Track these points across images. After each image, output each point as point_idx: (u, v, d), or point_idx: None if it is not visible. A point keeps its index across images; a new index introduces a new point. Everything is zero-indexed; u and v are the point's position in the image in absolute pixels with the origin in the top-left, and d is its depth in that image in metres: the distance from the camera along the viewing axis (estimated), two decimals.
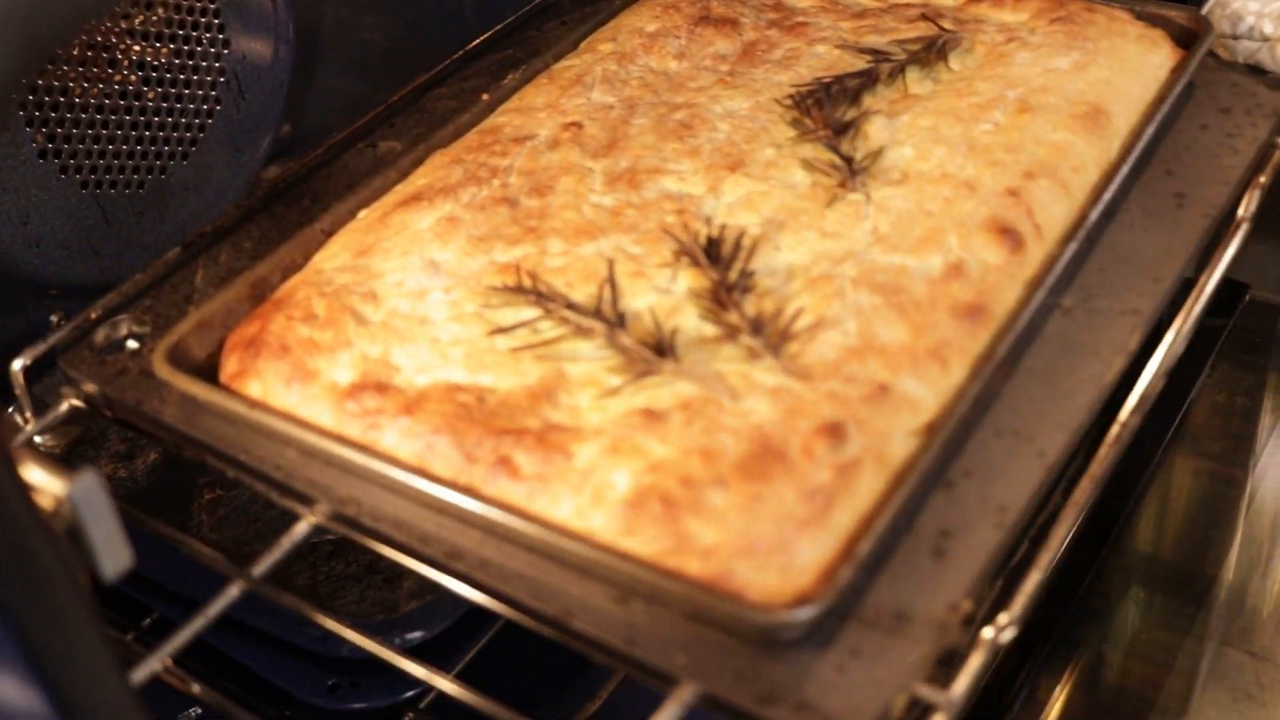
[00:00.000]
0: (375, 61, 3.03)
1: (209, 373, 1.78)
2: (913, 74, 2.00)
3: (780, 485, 1.45)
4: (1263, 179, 1.94)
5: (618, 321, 1.65)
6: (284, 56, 2.54)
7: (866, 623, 1.43)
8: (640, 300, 1.71)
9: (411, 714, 2.11)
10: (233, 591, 1.60)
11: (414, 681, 1.97)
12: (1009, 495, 1.54)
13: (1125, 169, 1.83)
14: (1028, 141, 1.82)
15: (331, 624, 1.68)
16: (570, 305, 1.69)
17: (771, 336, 1.60)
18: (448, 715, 2.06)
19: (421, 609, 2.06)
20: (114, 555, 1.23)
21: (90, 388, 1.82)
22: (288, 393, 1.67)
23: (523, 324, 1.70)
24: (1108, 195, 1.79)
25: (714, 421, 1.52)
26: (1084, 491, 1.58)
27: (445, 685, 1.60)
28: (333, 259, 1.82)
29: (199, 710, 2.04)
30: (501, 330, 1.69)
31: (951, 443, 1.55)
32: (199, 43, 2.38)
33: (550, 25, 2.39)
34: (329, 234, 1.91)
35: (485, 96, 2.11)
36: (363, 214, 1.93)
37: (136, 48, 2.31)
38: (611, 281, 1.68)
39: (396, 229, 1.84)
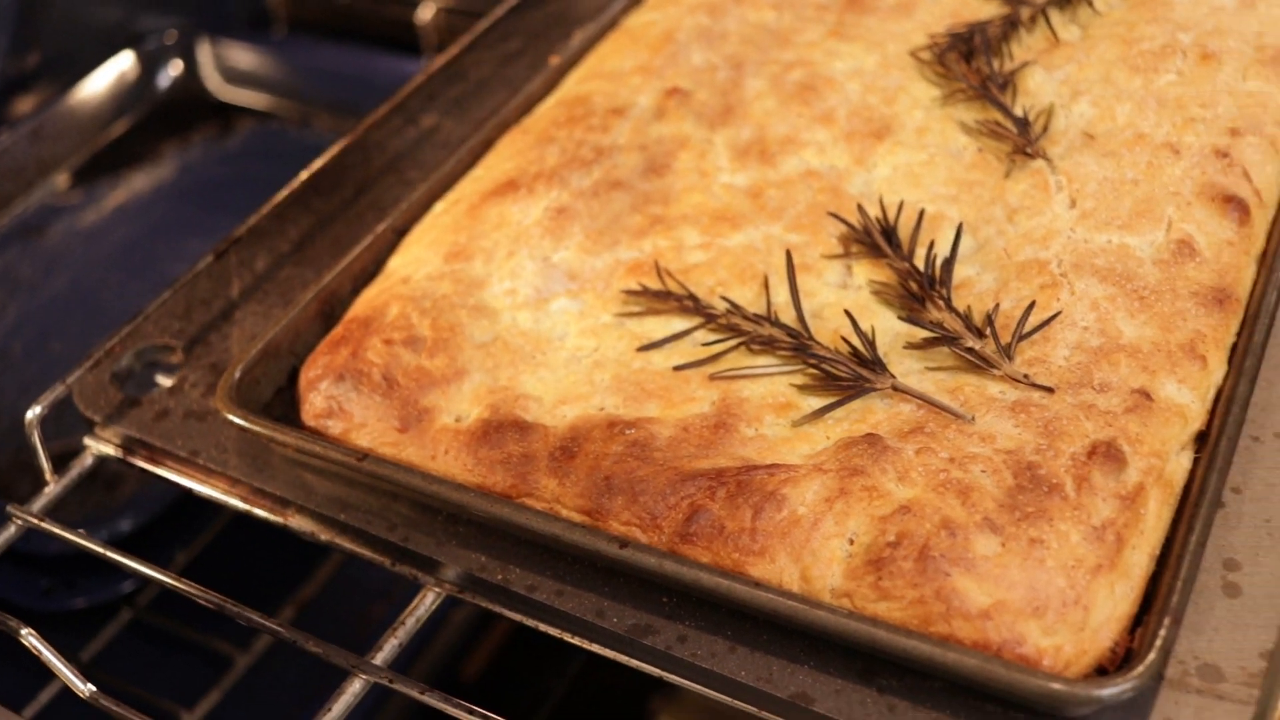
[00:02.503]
0: None
1: (277, 412, 1.47)
2: (1055, 17, 1.73)
3: (1061, 524, 1.19)
4: None
5: (804, 327, 1.37)
6: None
7: (1175, 685, 1.17)
8: (814, 299, 1.43)
9: (129, 610, 2.07)
10: (354, 686, 1.29)
11: (131, 576, 1.98)
12: None
13: None
14: (1220, 93, 1.57)
15: (32, 520, 1.45)
16: (737, 310, 1.40)
17: (1002, 338, 1.32)
18: (169, 610, 2.07)
19: (128, 500, 2.02)
20: None
21: (123, 435, 1.49)
22: (402, 439, 1.36)
23: (678, 336, 1.40)
24: None
25: (958, 449, 1.24)
26: None
27: (149, 572, 1.41)
28: (420, 264, 1.50)
29: None
30: (654, 345, 1.40)
31: (1225, 455, 1.30)
32: None
33: None
34: (402, 232, 1.58)
35: (555, 59, 1.80)
36: (439, 207, 1.61)
37: None
38: (791, 280, 1.39)
39: (494, 224, 1.53)
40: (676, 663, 1.23)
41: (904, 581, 1.17)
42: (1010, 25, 1.71)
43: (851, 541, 1.21)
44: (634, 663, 1.26)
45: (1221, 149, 1.51)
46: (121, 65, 2.79)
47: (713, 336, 1.40)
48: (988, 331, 1.33)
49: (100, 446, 1.51)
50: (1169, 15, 1.69)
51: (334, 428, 1.39)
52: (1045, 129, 1.57)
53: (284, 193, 1.70)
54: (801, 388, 1.34)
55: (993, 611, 1.15)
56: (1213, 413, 1.31)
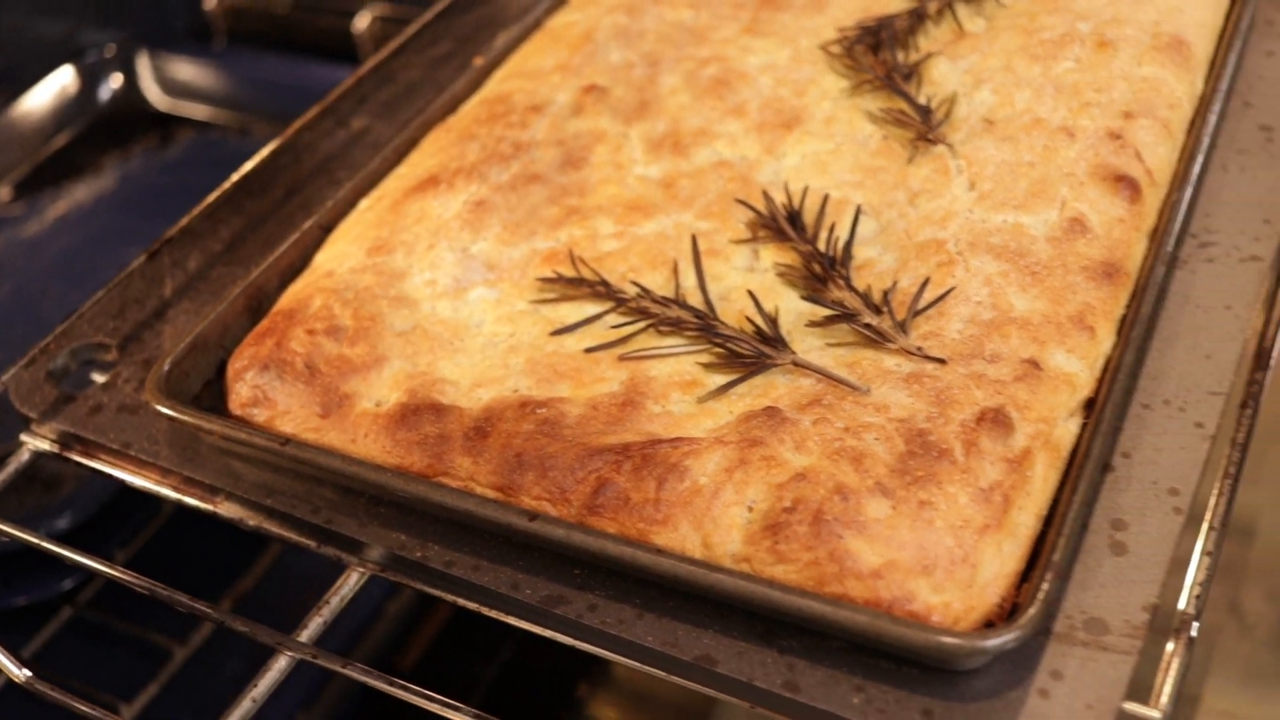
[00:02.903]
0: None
1: (206, 404, 1.51)
2: (962, 10, 1.79)
3: (950, 487, 1.24)
4: None
5: (710, 309, 1.42)
6: None
7: (1062, 638, 1.23)
8: (722, 283, 1.48)
9: (70, 607, 2.12)
10: (280, 663, 1.34)
11: (70, 573, 2.05)
12: (1178, 475, 1.35)
13: (1218, 104, 1.65)
14: (1116, 78, 1.63)
15: None
16: (646, 294, 1.45)
17: (898, 314, 1.38)
18: (108, 607, 2.12)
19: (65, 500, 2.06)
20: None
21: (59, 430, 1.53)
22: (324, 424, 1.40)
23: (590, 320, 1.45)
24: (1208, 133, 1.61)
25: (853, 419, 1.30)
26: (1234, 462, 1.40)
27: (93, 564, 1.47)
28: (344, 259, 1.55)
29: None
30: (566, 330, 1.45)
31: (1112, 420, 1.35)
32: None
33: None
34: (328, 229, 1.63)
35: (479, 60, 1.86)
36: (364, 204, 1.66)
37: None
38: (696, 262, 1.45)
39: (415, 218, 1.58)
40: (587, 631, 1.28)
41: (799, 545, 1.22)
42: (917, 18, 1.77)
43: (750, 509, 1.26)
44: (547, 633, 1.31)
45: (1115, 131, 1.57)
46: (62, 79, 2.85)
47: (623, 320, 1.45)
48: (885, 308, 1.38)
49: (36, 442, 1.55)
50: (1070, 6, 1.75)
51: (259, 415, 1.44)
52: (947, 116, 1.63)
53: (215, 194, 1.74)
54: (707, 366, 1.40)
55: (884, 571, 1.20)
56: (1101, 380, 1.37)
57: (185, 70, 2.88)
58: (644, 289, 1.46)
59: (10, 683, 1.44)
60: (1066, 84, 1.63)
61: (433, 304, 1.50)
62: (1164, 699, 1.20)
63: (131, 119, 2.88)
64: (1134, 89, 1.63)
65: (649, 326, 1.44)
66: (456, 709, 1.26)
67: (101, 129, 2.85)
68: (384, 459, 1.37)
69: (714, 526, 1.25)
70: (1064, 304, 1.40)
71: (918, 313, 1.39)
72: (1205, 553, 1.32)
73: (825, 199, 1.54)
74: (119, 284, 1.65)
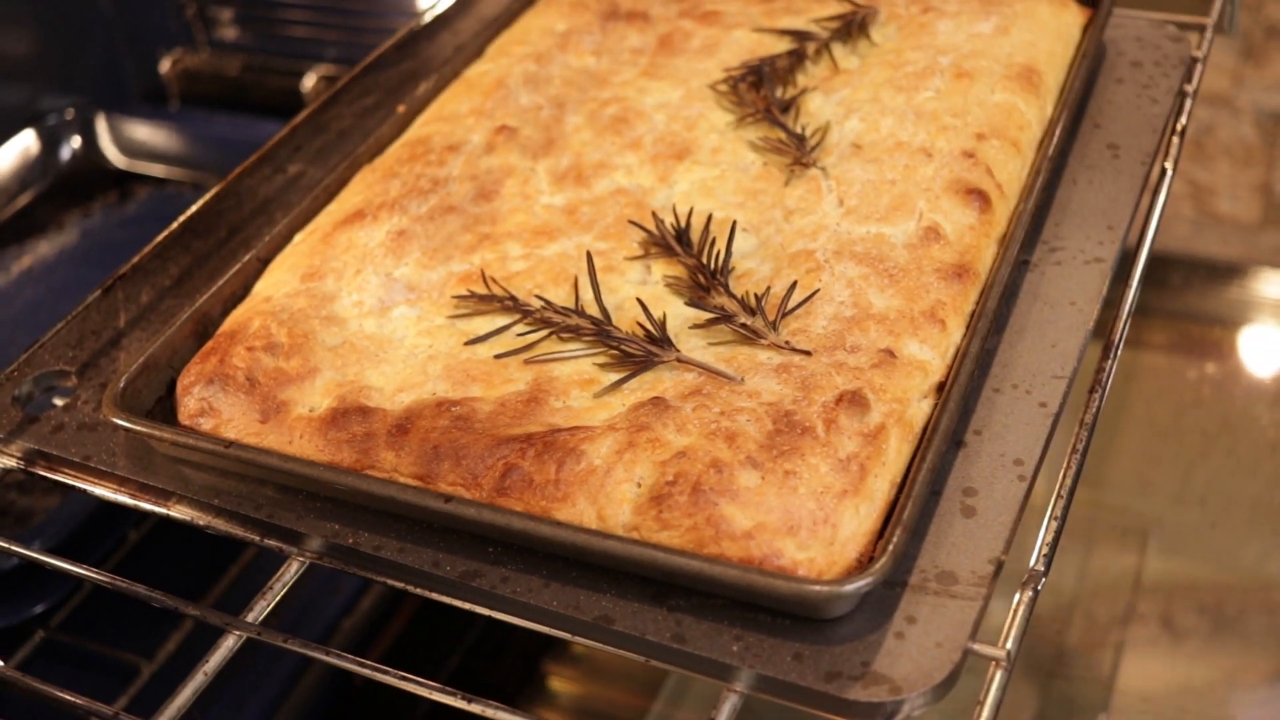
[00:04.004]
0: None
1: (158, 419, 1.67)
2: (838, 50, 1.99)
3: (812, 458, 1.41)
4: (1180, 125, 1.99)
5: (605, 316, 1.60)
6: None
7: (917, 589, 1.40)
8: (618, 295, 1.66)
9: (42, 631, 2.19)
10: (228, 642, 1.50)
11: (43, 596, 2.12)
12: (1022, 448, 1.53)
13: (1065, 124, 1.84)
14: (971, 105, 1.83)
15: None
16: (549, 305, 1.62)
17: (769, 315, 1.56)
18: (81, 629, 2.22)
19: (35, 527, 2.16)
20: None
21: (24, 448, 1.69)
22: (264, 429, 1.57)
23: (500, 330, 1.63)
24: (1053, 150, 1.80)
25: (728, 404, 1.47)
26: (1081, 439, 1.58)
27: (91, 576, 1.58)
28: (280, 285, 1.73)
29: None
30: (478, 339, 1.62)
31: (962, 401, 1.53)
32: None
33: (442, 36, 2.32)
34: (266, 262, 1.80)
35: (402, 108, 2.04)
36: (299, 237, 1.83)
37: None
38: (592, 275, 1.63)
39: (344, 248, 1.75)
40: (500, 600, 1.44)
41: (680, 512, 1.39)
42: (797, 58, 1.96)
43: (639, 484, 1.43)
44: (466, 605, 1.47)
45: (969, 150, 1.76)
46: (25, 142, 3.03)
47: (529, 329, 1.62)
48: (758, 310, 1.56)
49: (3, 460, 1.71)
50: (932, 42, 1.95)
51: (205, 424, 1.60)
52: (820, 143, 1.82)
53: (163, 235, 1.91)
54: (603, 365, 1.57)
55: (754, 532, 1.37)
56: (951, 367, 1.55)
57: (142, 131, 3.06)
58: (547, 302, 1.63)
59: None
60: (926, 111, 1.82)
61: (360, 322, 1.67)
62: (1009, 643, 1.37)
63: (91, 178, 3.06)
64: (987, 113, 1.82)
65: (552, 334, 1.61)
66: (418, 683, 1.42)
67: (63, 188, 3.02)
68: (317, 456, 1.53)
69: (607, 501, 1.42)
70: (918, 301, 1.58)
71: (787, 313, 1.56)
72: (1053, 517, 1.49)
73: (710, 219, 1.72)
74: (77, 317, 1.81)
